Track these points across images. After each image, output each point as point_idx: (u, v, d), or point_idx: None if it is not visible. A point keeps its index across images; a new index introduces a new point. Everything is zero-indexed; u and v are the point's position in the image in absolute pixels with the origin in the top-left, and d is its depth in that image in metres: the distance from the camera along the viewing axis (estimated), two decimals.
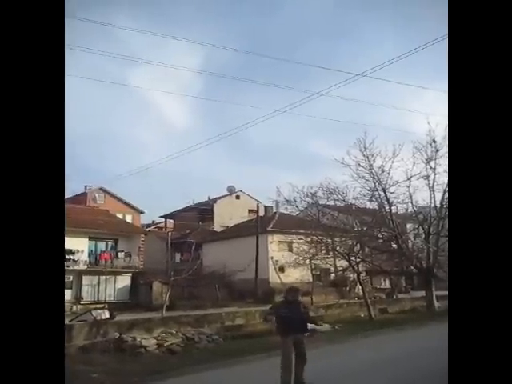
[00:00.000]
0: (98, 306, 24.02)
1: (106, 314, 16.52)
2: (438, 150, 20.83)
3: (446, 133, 19.98)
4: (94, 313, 16.42)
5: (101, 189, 50.51)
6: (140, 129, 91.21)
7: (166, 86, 75.42)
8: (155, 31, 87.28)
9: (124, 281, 30.54)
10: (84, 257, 28.98)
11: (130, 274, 30.72)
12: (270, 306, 8.37)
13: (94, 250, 30.37)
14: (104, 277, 29.30)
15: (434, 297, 21.64)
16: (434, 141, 20.90)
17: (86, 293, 28.70)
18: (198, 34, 78.75)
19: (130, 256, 30.87)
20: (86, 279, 28.88)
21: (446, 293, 21.37)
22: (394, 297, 30.58)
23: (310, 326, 7.79)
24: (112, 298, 29.06)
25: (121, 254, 30.76)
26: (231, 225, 41.21)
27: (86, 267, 28.72)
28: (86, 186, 50.33)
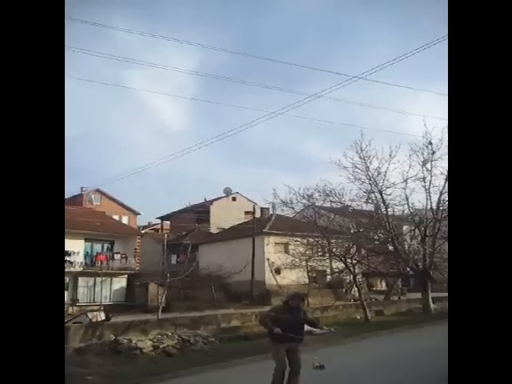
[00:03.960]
0: (93, 307, 23.95)
1: (102, 316, 16.43)
2: (434, 152, 20.93)
3: (442, 135, 20.10)
4: (89, 314, 16.33)
5: (97, 190, 50.36)
6: (136, 130, 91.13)
7: (162, 88, 75.58)
8: (150, 33, 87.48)
9: (120, 282, 30.47)
10: (80, 258, 28.90)
11: (126, 276, 30.65)
12: (270, 308, 7.96)
13: (89, 251, 30.29)
14: (100, 278, 29.19)
15: (430, 299, 21.68)
16: (431, 143, 20.98)
17: (82, 294, 28.62)
18: (194, 35, 78.83)
19: (126, 258, 30.80)
20: (81, 281, 28.80)
21: (442, 295, 21.53)
22: (391, 298, 30.61)
23: (307, 328, 7.53)
24: (108, 300, 28.96)
25: (117, 256, 30.68)
26: (227, 226, 41.17)
27: (81, 269, 28.64)
28: (82, 188, 50.18)
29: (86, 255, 29.75)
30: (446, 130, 15.03)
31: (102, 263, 29.66)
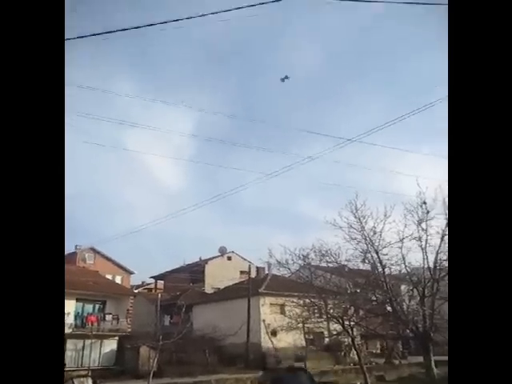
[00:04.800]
0: (81, 372, 22.94)
1: (89, 383, 15.72)
2: (428, 212, 20.99)
3: (435, 195, 20.27)
4: (76, 381, 15.62)
5: (91, 249, 49.85)
6: (133, 191, 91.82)
7: (160, 150, 77.00)
8: (149, 96, 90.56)
9: (110, 345, 29.37)
10: (70, 319, 28.01)
11: (117, 338, 29.62)
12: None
13: (80, 312, 29.46)
14: (89, 341, 28.17)
15: (433, 363, 20.90)
16: (425, 202, 21.09)
17: (70, 358, 27.41)
18: (191, 98, 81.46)
19: (118, 319, 29.95)
20: (70, 343, 27.67)
21: (445, 358, 20.78)
22: (391, 362, 29.55)
23: None
24: (96, 364, 27.77)
25: (108, 317, 29.83)
26: (222, 286, 40.42)
27: (71, 330, 27.67)
28: (76, 246, 49.68)
29: (76, 316, 28.89)
30: (439, 189, 15.27)
31: (92, 324, 28.76)
